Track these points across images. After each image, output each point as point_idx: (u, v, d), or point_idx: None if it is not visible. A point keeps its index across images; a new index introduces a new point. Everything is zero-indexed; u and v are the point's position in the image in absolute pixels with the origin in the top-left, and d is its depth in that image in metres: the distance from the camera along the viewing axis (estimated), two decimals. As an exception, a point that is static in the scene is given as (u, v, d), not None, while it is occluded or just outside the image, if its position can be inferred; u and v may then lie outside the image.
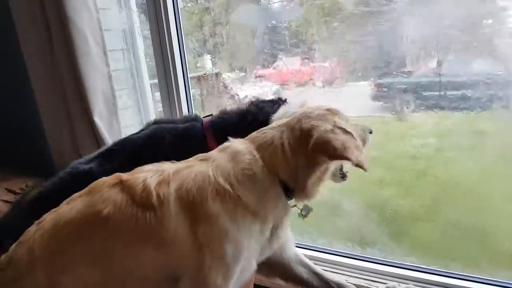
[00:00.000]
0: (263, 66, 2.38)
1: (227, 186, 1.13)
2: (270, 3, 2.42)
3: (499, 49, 1.76)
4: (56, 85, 1.93)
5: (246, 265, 1.20)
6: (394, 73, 1.99)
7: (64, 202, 1.18)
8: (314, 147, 1.14)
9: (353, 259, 1.90)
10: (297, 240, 2.03)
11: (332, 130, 1.16)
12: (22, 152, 2.41)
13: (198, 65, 2.61)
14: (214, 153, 1.25)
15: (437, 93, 1.92)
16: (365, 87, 2.13)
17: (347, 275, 1.82)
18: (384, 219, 2.20)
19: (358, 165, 1.13)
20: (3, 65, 2.33)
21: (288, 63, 2.34)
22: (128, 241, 1.09)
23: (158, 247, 1.09)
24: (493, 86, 1.73)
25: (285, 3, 2.34)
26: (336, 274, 1.81)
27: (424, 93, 1.97)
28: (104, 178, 1.20)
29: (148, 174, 1.16)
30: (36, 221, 1.17)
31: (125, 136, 1.69)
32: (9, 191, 1.84)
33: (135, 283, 1.12)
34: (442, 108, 1.91)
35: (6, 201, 1.69)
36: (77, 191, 1.20)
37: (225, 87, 2.57)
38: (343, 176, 1.42)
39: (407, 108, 2.06)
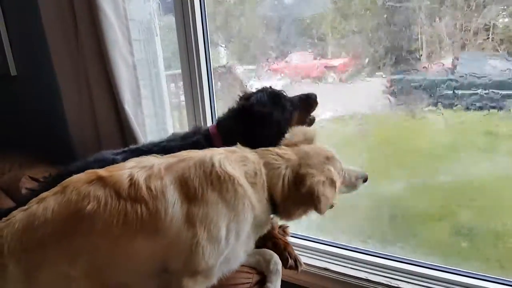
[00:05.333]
0: (276, 60, 2.37)
1: (237, 175, 1.21)
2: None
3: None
4: (81, 74, 1.92)
5: (236, 253, 1.26)
6: (409, 69, 1.98)
7: (34, 201, 1.16)
8: (305, 193, 1.30)
9: (374, 257, 1.92)
10: (316, 235, 2.06)
11: (324, 182, 1.31)
12: (46, 142, 2.40)
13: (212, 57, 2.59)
14: (221, 149, 1.32)
15: (451, 91, 1.91)
16: (379, 83, 2.11)
17: (368, 272, 1.85)
18: (395, 217, 2.21)
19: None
20: (28, 56, 2.31)
21: (301, 58, 2.33)
22: (117, 235, 1.10)
23: (151, 237, 1.11)
24: (509, 85, 1.73)
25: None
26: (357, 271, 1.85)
27: (439, 91, 1.95)
28: (77, 176, 1.20)
29: (134, 170, 1.18)
30: (4, 218, 1.16)
31: (156, 141, 1.71)
32: (33, 179, 1.84)
33: (122, 276, 1.14)
34: (457, 106, 1.90)
35: (30, 189, 1.68)
36: None
37: (238, 80, 2.56)
38: None
39: (421, 105, 2.06)
